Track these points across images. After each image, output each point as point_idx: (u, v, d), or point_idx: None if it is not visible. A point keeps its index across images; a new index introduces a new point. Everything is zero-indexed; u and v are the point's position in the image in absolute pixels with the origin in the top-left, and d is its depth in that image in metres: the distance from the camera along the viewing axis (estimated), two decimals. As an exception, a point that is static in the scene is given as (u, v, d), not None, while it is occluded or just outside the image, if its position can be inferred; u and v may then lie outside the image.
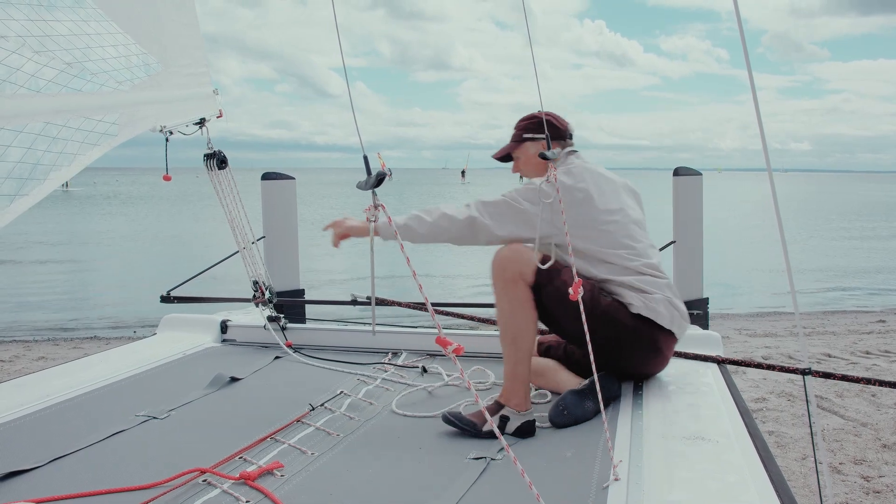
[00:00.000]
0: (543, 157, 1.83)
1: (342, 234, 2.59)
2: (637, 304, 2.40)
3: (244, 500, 1.78)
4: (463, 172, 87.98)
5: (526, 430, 2.20)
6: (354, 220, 2.58)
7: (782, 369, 2.85)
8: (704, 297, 4.08)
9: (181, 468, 1.92)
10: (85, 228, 25.44)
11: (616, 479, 1.79)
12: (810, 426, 3.82)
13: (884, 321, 9.62)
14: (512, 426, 2.21)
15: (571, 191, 2.44)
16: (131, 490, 1.84)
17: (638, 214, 2.62)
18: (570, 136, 2.71)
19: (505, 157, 2.76)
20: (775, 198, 1.29)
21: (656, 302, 2.42)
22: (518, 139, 2.68)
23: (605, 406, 2.29)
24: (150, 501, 1.77)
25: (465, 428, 2.21)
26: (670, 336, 2.49)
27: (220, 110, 3.15)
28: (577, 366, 2.63)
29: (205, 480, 1.88)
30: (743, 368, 6.04)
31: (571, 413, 2.28)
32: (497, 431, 1.39)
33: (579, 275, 2.32)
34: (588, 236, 2.44)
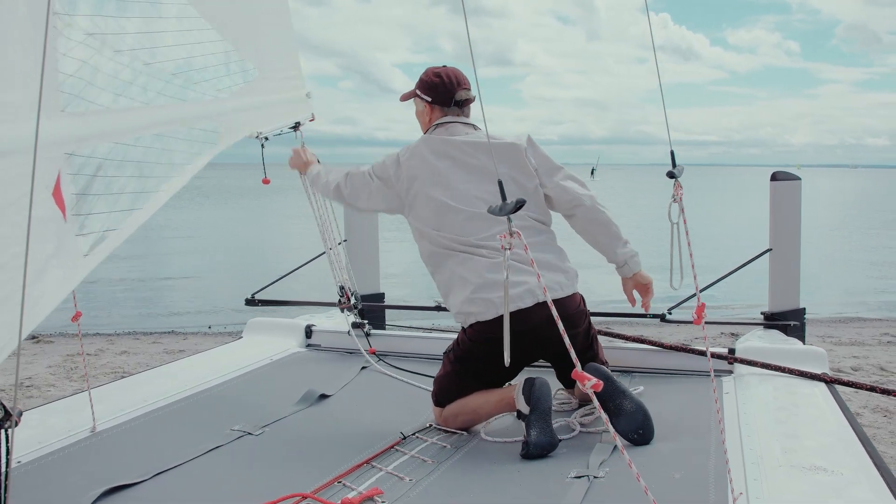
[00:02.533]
0: (671, 175, 1.73)
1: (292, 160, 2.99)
2: (457, 317, 2.46)
3: None
4: None
5: (534, 385, 2.23)
6: (304, 159, 2.98)
7: None
8: (801, 307, 3.88)
9: (280, 490, 1.91)
10: (157, 221, 26.26)
11: None
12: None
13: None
14: (521, 402, 2.24)
15: (405, 167, 2.54)
16: None
17: (477, 187, 2.49)
18: (459, 104, 2.65)
19: None
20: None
21: (468, 303, 2.38)
22: (413, 93, 2.73)
23: (614, 385, 2.26)
24: None
25: (534, 440, 2.15)
26: (494, 321, 2.33)
27: (312, 114, 3.14)
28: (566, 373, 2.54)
29: None
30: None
31: (644, 429, 2.21)
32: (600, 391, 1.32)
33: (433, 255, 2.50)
34: (420, 214, 2.51)
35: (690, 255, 1.87)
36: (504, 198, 1.31)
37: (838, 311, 10.91)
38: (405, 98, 2.76)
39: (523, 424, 2.22)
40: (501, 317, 2.28)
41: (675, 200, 1.72)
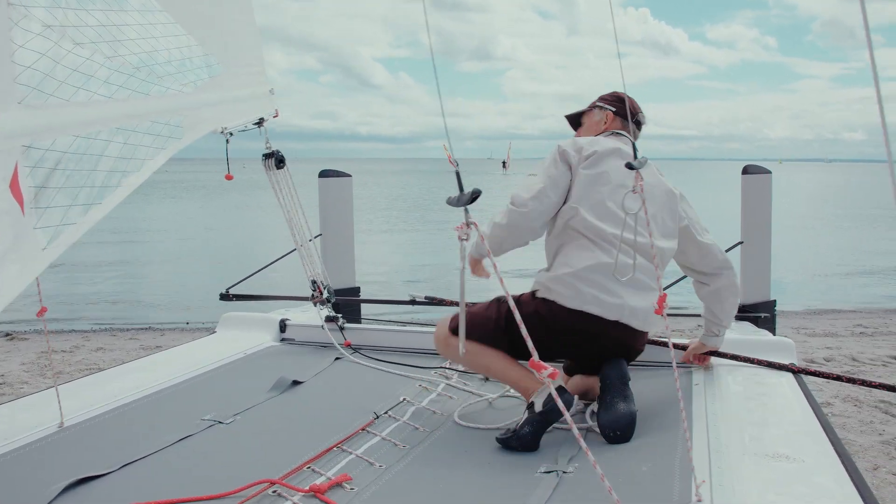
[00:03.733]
0: (630, 166, 1.75)
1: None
2: (537, 288, 2.39)
3: None
4: (504, 163, 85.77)
5: (562, 398, 2.21)
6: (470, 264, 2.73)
7: (886, 387, 2.68)
8: (771, 299, 3.94)
9: (249, 477, 1.90)
10: (133, 216, 26.00)
11: (699, 501, 1.71)
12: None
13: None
14: (540, 401, 2.21)
15: (587, 150, 2.50)
16: (201, 500, 1.83)
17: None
18: (638, 124, 2.73)
19: (575, 123, 2.86)
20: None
21: (559, 282, 2.34)
22: (592, 106, 2.77)
23: (624, 388, 2.30)
24: None
25: (522, 434, 2.16)
26: (578, 313, 2.32)
27: (276, 110, 3.13)
28: (587, 368, 2.57)
29: (274, 492, 1.86)
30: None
31: (622, 429, 2.22)
32: (561, 401, 1.39)
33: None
34: (576, 194, 2.45)
35: (652, 245, 1.90)
36: (461, 188, 1.33)
37: (813, 303, 11.06)
38: (577, 112, 2.80)
39: (524, 413, 2.21)
40: (579, 312, 2.30)
41: (633, 191, 1.75)
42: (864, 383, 2.75)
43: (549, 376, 1.24)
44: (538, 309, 2.36)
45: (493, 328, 2.40)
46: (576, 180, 2.47)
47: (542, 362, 1.26)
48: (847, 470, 1.85)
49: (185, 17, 2.30)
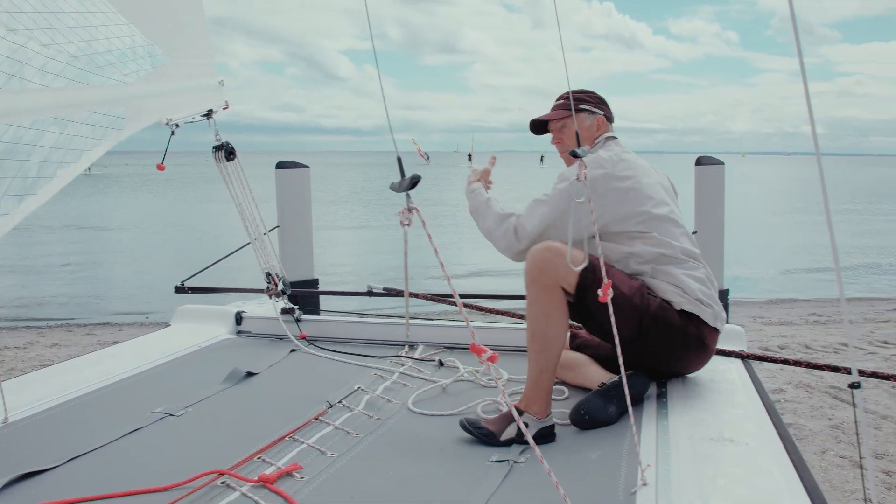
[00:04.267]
0: (574, 154, 1.74)
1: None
2: (678, 301, 2.34)
3: (263, 503, 1.75)
4: (469, 156, 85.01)
5: (545, 437, 2.16)
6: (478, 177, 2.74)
7: (828, 368, 2.76)
8: (724, 288, 4.02)
9: (199, 468, 1.89)
10: (95, 211, 25.49)
11: (644, 484, 1.75)
12: (857, 441, 3.75)
13: (902, 309, 9.50)
14: (533, 430, 2.15)
15: (619, 179, 2.40)
16: (149, 492, 1.81)
17: (672, 207, 2.54)
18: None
19: (540, 126, 2.68)
20: (824, 186, 1.22)
21: (696, 298, 2.36)
22: (575, 108, 2.59)
23: (632, 406, 2.24)
24: None
25: (483, 438, 2.14)
26: (714, 331, 2.42)
27: (226, 101, 3.09)
28: (607, 362, 2.57)
29: (223, 482, 1.85)
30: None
31: (593, 417, 2.23)
32: (525, 433, 1.42)
33: (624, 273, 2.35)
34: (630, 226, 2.39)
35: (596, 234, 1.92)
36: (403, 174, 1.35)
37: (772, 292, 11.29)
38: (559, 117, 2.61)
39: (510, 423, 2.14)
40: (714, 328, 2.37)
41: (578, 179, 1.76)
42: (808, 365, 2.83)
43: (488, 359, 1.25)
44: (687, 327, 2.33)
45: (627, 311, 2.24)
46: (627, 207, 2.40)
47: (480, 346, 1.27)
48: (788, 451, 1.91)
49: (127, 7, 2.26)
